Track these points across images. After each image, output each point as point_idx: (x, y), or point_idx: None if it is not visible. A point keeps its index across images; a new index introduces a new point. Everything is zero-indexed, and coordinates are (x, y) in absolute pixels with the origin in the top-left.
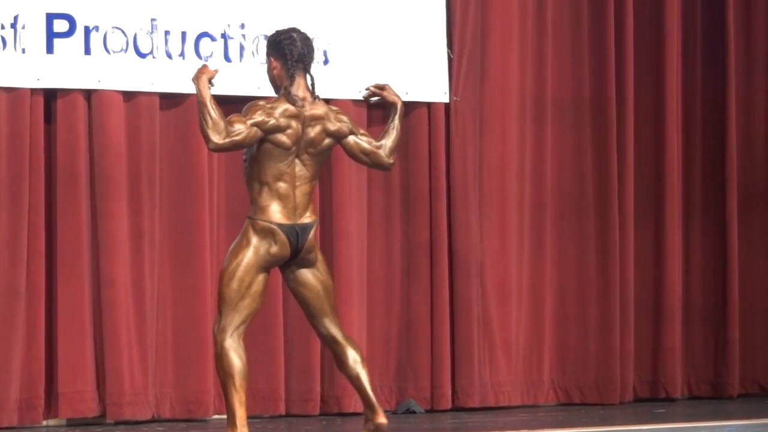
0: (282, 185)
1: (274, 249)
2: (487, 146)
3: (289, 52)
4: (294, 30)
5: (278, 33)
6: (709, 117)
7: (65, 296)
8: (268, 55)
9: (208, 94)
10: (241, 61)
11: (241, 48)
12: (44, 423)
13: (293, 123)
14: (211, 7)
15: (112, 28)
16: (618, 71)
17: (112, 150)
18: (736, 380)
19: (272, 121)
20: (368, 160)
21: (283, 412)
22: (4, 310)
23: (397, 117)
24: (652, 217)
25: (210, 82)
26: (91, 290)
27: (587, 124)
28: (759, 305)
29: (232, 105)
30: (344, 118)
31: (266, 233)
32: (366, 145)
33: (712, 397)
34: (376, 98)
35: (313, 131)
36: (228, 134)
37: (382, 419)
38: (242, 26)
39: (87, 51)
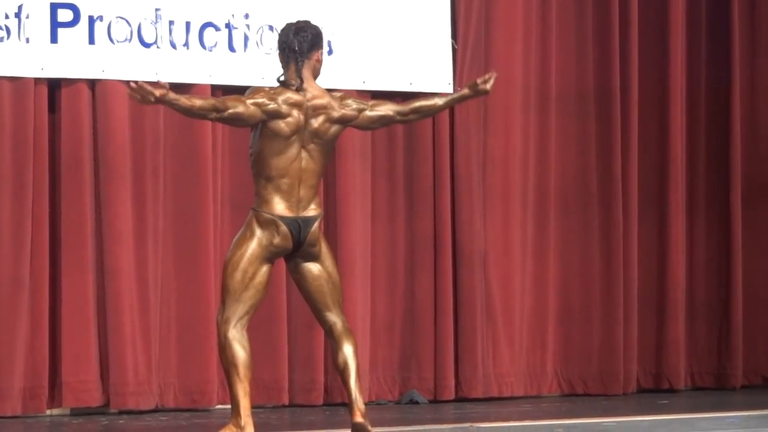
0: (286, 180)
1: (277, 240)
2: (490, 138)
3: (281, 43)
4: (297, 22)
5: (284, 25)
6: (714, 109)
7: (69, 286)
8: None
9: (178, 97)
10: (245, 51)
11: (246, 38)
12: (48, 412)
13: (294, 112)
14: None
15: (116, 17)
16: (622, 64)
17: (116, 140)
18: (740, 372)
19: (273, 105)
20: (378, 126)
21: (286, 402)
22: (8, 299)
23: (450, 98)
24: (656, 209)
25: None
26: (94, 280)
27: (591, 117)
28: (762, 297)
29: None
30: (349, 101)
31: (269, 225)
32: (374, 115)
33: (715, 389)
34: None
35: (317, 122)
36: (226, 107)
37: (358, 419)
38: (246, 16)
39: (91, 40)
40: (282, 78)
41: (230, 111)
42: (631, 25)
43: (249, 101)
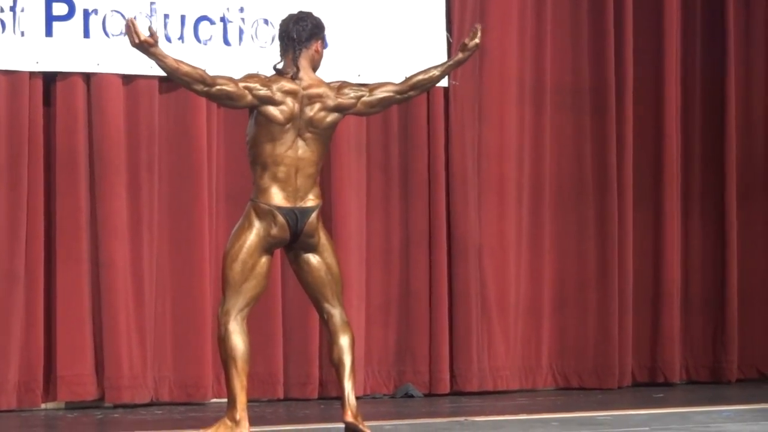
0: (282, 168)
1: (274, 231)
2: (486, 131)
3: (281, 32)
4: (299, 12)
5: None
6: (709, 103)
7: (64, 279)
8: None
9: (166, 54)
10: (240, 44)
11: (241, 32)
12: (43, 406)
13: (289, 100)
14: None
15: (111, 11)
16: (617, 57)
17: (111, 133)
18: (735, 365)
19: (265, 91)
20: (379, 109)
21: (281, 396)
22: (3, 293)
23: (445, 65)
24: (651, 203)
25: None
26: (89, 273)
27: (586, 110)
28: (757, 291)
29: None
30: (346, 90)
31: (266, 215)
32: (374, 99)
33: (710, 382)
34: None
35: (312, 111)
36: (214, 83)
37: (348, 418)
38: (241, 10)
39: (86, 34)
40: (278, 66)
41: (218, 87)
42: (626, 18)
43: (241, 83)
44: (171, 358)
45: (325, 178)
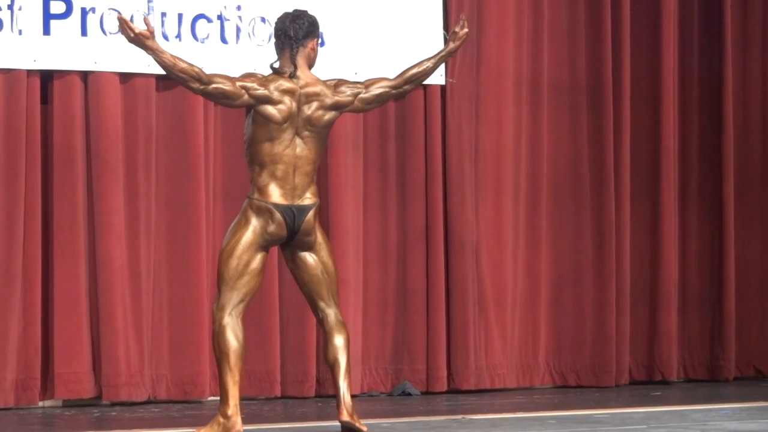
0: (280, 166)
1: (271, 228)
2: (483, 129)
3: (276, 30)
4: (295, 10)
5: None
6: (706, 100)
7: (61, 278)
8: None
9: (162, 50)
10: (237, 42)
11: (238, 30)
12: (40, 404)
13: (286, 99)
14: None
15: (109, 9)
16: (614, 54)
17: (108, 131)
18: (732, 363)
19: (262, 91)
20: (376, 105)
21: (278, 394)
22: (0, 291)
23: (438, 56)
24: (648, 200)
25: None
26: (87, 271)
27: (583, 108)
28: (754, 289)
29: None
30: (343, 88)
31: (263, 212)
32: (370, 96)
33: (707, 380)
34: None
35: (310, 109)
36: (211, 81)
37: (344, 417)
38: (238, 8)
39: (83, 32)
40: (275, 65)
41: (214, 86)
42: (623, 15)
43: (238, 82)
44: (168, 356)
45: (321, 176)
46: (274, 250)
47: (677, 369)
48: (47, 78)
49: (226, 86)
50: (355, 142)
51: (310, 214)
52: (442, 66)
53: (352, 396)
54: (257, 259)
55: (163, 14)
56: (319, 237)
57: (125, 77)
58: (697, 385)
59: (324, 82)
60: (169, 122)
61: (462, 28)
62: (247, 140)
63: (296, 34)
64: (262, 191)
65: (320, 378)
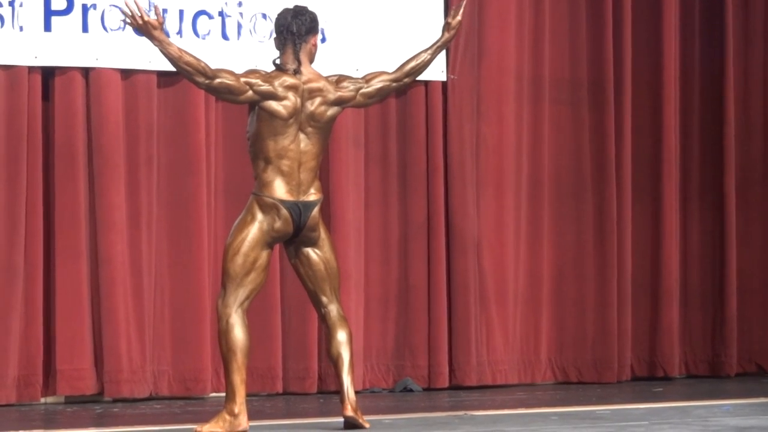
0: (285, 162)
1: (278, 225)
2: (484, 125)
3: (278, 26)
4: (295, 6)
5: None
6: (707, 96)
7: (63, 274)
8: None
9: (169, 42)
10: (238, 39)
11: (239, 26)
12: (42, 400)
13: (291, 95)
14: None
15: (110, 5)
16: (616, 51)
17: (109, 128)
18: (734, 359)
19: (267, 87)
20: (378, 99)
21: (280, 390)
22: (2, 288)
23: (434, 46)
24: (650, 196)
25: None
26: (88, 268)
27: (585, 104)
28: (756, 285)
29: None
30: (345, 83)
31: (270, 209)
32: (372, 90)
33: (709, 376)
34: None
35: (313, 105)
36: (216, 75)
37: (348, 412)
38: (240, 4)
39: (85, 29)
40: (278, 61)
41: (219, 80)
42: (625, 11)
43: (242, 78)
44: (170, 353)
45: (323, 172)
46: (277, 247)
47: (679, 365)
48: (48, 74)
49: (231, 81)
50: (357, 137)
51: (315, 209)
52: (444, 62)
53: (355, 392)
54: (263, 256)
55: (165, 10)
56: (323, 233)
57: (126, 73)
58: (698, 381)
59: (326, 78)
60: (171, 118)
61: (454, 17)
62: (251, 136)
63: (299, 30)
64: (268, 187)
65: (322, 374)
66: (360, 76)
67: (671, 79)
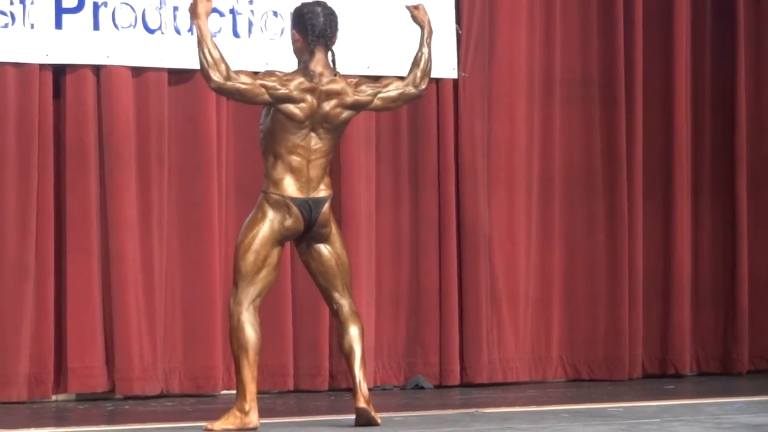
0: (296, 158)
1: (288, 222)
2: (495, 123)
3: (311, 26)
4: (319, 4)
5: (303, 5)
6: (719, 93)
7: (74, 272)
8: (292, 27)
9: (208, 31)
10: (249, 36)
11: (250, 24)
12: (54, 398)
13: (308, 97)
14: None
15: (121, 3)
16: (627, 49)
17: (120, 125)
18: (745, 357)
19: (283, 91)
20: (400, 103)
21: (291, 388)
22: (13, 285)
23: (423, 42)
24: (661, 194)
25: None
26: (100, 266)
27: (596, 102)
28: (767, 282)
29: None
30: (363, 87)
31: (280, 206)
32: (392, 94)
33: (721, 374)
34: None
35: (329, 106)
36: (230, 77)
37: (361, 404)
38: (251, 2)
39: (96, 26)
40: (310, 65)
41: (233, 83)
42: (636, 10)
43: (258, 81)
44: (181, 350)
45: (334, 171)
46: (287, 244)
47: (690, 362)
48: (59, 72)
49: (246, 85)
50: (368, 136)
51: (326, 206)
52: (455, 59)
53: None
54: (274, 254)
55: (175, 8)
56: (333, 228)
57: (137, 71)
58: (710, 378)
59: (346, 81)
60: (182, 116)
61: (416, 8)
62: (264, 131)
63: (332, 32)
64: (278, 185)
65: (333, 372)
66: (372, 74)
67: (682, 78)
